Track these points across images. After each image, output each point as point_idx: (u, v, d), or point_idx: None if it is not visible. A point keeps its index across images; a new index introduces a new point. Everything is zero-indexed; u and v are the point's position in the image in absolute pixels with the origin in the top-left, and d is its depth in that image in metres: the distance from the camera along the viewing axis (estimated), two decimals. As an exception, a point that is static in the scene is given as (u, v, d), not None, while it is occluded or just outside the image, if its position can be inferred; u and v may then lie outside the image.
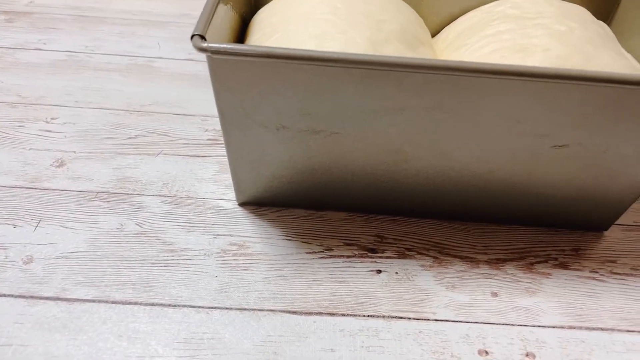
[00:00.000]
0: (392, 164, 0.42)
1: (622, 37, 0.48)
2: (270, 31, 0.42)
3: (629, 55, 0.43)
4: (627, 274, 0.44)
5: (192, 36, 0.34)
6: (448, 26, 0.51)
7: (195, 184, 0.49)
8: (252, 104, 0.37)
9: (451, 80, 0.35)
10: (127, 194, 0.48)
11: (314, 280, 0.42)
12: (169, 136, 0.54)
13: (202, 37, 0.34)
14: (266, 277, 0.42)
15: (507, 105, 0.36)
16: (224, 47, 0.33)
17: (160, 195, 0.48)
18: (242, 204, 0.47)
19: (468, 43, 0.43)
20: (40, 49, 0.65)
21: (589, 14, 0.47)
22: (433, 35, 0.52)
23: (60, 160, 0.50)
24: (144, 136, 0.54)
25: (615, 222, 0.48)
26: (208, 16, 0.35)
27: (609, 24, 0.50)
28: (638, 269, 0.45)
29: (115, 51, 0.65)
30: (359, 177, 0.44)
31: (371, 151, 0.41)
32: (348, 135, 0.39)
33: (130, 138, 0.53)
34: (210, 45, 0.33)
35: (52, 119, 0.55)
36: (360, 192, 0.46)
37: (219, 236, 0.45)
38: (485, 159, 0.41)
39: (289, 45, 0.39)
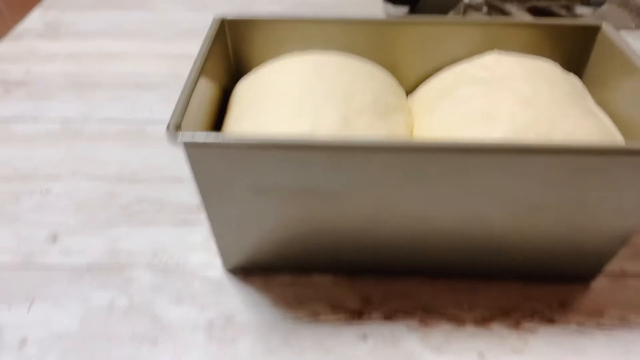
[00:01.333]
0: (373, 228, 0.43)
1: (594, 89, 0.49)
2: (246, 107, 0.43)
3: (599, 111, 0.44)
4: (614, 326, 0.44)
5: (168, 126, 0.36)
6: (424, 84, 0.52)
7: (185, 252, 0.50)
8: (230, 181, 0.38)
9: (417, 157, 0.36)
10: (118, 267, 0.49)
11: (300, 351, 0.42)
12: (159, 204, 0.55)
13: (177, 128, 0.36)
14: (253, 350, 0.42)
15: (474, 177, 0.37)
16: (198, 142, 0.35)
17: (150, 265, 0.49)
18: (230, 271, 0.48)
19: (439, 107, 0.44)
20: (36, 119, 0.67)
21: (559, 68, 0.48)
22: (411, 91, 0.53)
23: (54, 235, 0.52)
24: (135, 204, 0.55)
25: (602, 271, 0.48)
26: (184, 105, 0.37)
27: (580, 76, 0.51)
28: (625, 320, 0.45)
29: (108, 117, 0.67)
30: (342, 240, 0.45)
31: (351, 217, 0.42)
32: (325, 206, 0.40)
33: (121, 208, 0.55)
34: (185, 140, 0.35)
35: (47, 191, 0.57)
36: (345, 254, 0.46)
37: (206, 308, 0.45)
38: (461, 222, 0.41)
39: (263, 125, 0.40)
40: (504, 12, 0.81)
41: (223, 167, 0.37)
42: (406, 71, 0.53)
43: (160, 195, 0.56)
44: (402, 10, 0.89)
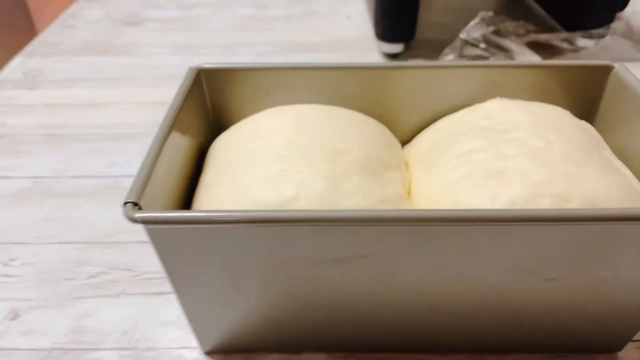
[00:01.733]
0: (370, 302, 0.37)
1: (608, 135, 0.44)
2: (223, 169, 0.39)
3: (617, 162, 0.39)
4: (650, 409, 0.38)
5: (125, 203, 0.31)
6: (421, 134, 0.47)
7: (158, 330, 0.44)
8: (199, 260, 0.33)
9: (413, 228, 0.31)
10: (82, 349, 0.43)
11: None
12: (132, 271, 0.50)
13: (136, 205, 0.31)
14: None
15: (482, 247, 0.32)
16: (157, 217, 0.30)
17: (118, 349, 0.43)
18: (208, 353, 0.43)
19: (438, 162, 0.39)
20: (7, 177, 0.62)
21: (569, 115, 0.43)
22: (407, 141, 0.49)
23: (14, 312, 0.46)
24: (106, 273, 0.50)
25: (632, 339, 0.43)
26: (144, 179, 0.32)
27: (592, 121, 0.47)
28: (663, 401, 0.39)
29: (83, 172, 0.63)
30: (335, 315, 0.39)
31: (343, 294, 0.36)
32: (310, 284, 0.35)
33: (90, 277, 0.49)
34: (142, 215, 0.30)
35: (11, 260, 0.51)
36: (339, 330, 0.41)
37: (181, 397, 0.40)
38: (470, 296, 0.36)
39: (239, 192, 0.36)
40: (502, 48, 0.78)
41: (189, 245, 0.32)
42: (401, 120, 0.49)
43: (134, 261, 0.51)
44: (397, 47, 0.86)
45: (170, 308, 0.46)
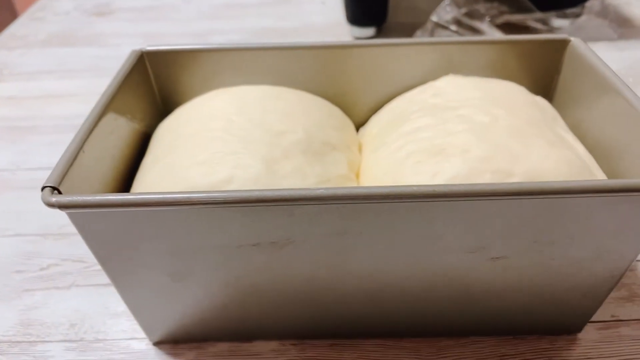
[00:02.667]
0: (312, 289, 0.36)
1: (566, 110, 0.43)
2: (160, 153, 0.37)
3: (570, 136, 0.38)
4: (607, 389, 0.38)
5: (43, 188, 0.29)
6: (375, 115, 0.46)
7: (107, 322, 0.43)
8: (128, 248, 0.32)
9: (346, 207, 0.29)
10: (30, 341, 0.42)
11: None
12: (84, 262, 0.49)
13: (55, 189, 0.29)
14: None
15: (420, 225, 0.31)
16: (73, 201, 0.28)
17: (65, 341, 0.42)
18: (157, 343, 0.41)
19: (387, 142, 0.38)
20: (-37, 170, 0.61)
21: (523, 91, 0.42)
22: (363, 123, 0.47)
23: (-39, 306, 0.45)
24: (57, 265, 0.48)
25: (590, 320, 0.42)
26: (66, 163, 0.31)
27: (551, 96, 0.46)
28: (620, 381, 0.38)
29: (40, 165, 0.61)
30: (282, 302, 0.38)
31: (284, 278, 0.35)
32: (248, 269, 0.34)
33: (41, 269, 0.48)
34: (59, 200, 0.28)
35: (-39, 254, 0.50)
36: (289, 317, 0.40)
37: (126, 389, 0.39)
38: (415, 278, 0.35)
39: (176, 174, 0.34)
40: (473, 30, 0.76)
41: (114, 230, 0.30)
42: (357, 101, 0.47)
43: (86, 253, 0.49)
44: (368, 31, 0.84)
45: (121, 299, 0.45)
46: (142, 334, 0.42)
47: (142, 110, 0.43)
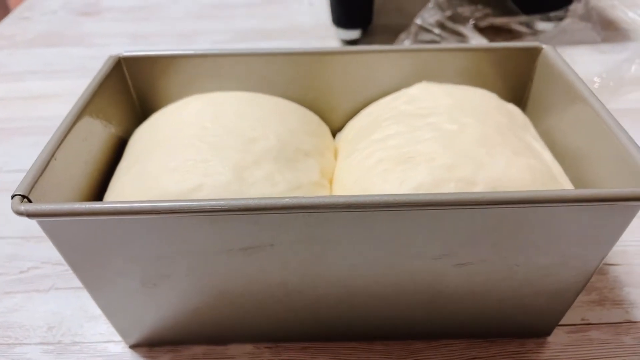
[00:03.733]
0: (284, 294, 0.37)
1: (538, 118, 0.44)
2: (134, 160, 0.38)
3: (538, 144, 0.39)
4: (574, 393, 0.38)
5: (13, 196, 0.30)
6: (351, 120, 0.47)
7: (84, 325, 0.44)
8: (99, 255, 0.32)
9: (312, 215, 0.30)
10: (8, 344, 0.42)
11: None
12: (63, 265, 0.49)
13: (25, 197, 0.30)
14: None
15: (385, 233, 0.31)
16: (42, 210, 0.29)
17: (42, 344, 0.42)
18: (133, 347, 0.42)
19: (358, 149, 0.39)
20: (-54, 172, 0.61)
21: (494, 98, 0.43)
22: (340, 129, 0.48)
23: (-60, 308, 0.46)
24: (37, 268, 0.49)
25: (560, 323, 0.42)
26: (37, 171, 0.31)
27: (524, 104, 0.46)
28: (587, 384, 0.39)
29: (24, 167, 0.61)
30: (256, 306, 0.39)
31: (257, 284, 0.36)
32: (220, 275, 0.34)
33: (21, 272, 0.49)
34: (28, 209, 0.29)
35: (-58, 256, 0.50)
36: (263, 320, 0.40)
37: (101, 392, 0.39)
38: (384, 283, 0.36)
39: (146, 181, 0.35)
40: (456, 33, 0.77)
41: (84, 237, 0.31)
42: (333, 107, 0.48)
43: (66, 256, 0.50)
44: (354, 33, 0.85)
45: (99, 302, 0.45)
46: (119, 337, 0.43)
47: (119, 115, 0.43)
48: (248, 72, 0.46)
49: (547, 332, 0.42)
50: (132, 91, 0.46)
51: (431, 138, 0.35)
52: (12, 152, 0.64)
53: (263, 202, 0.28)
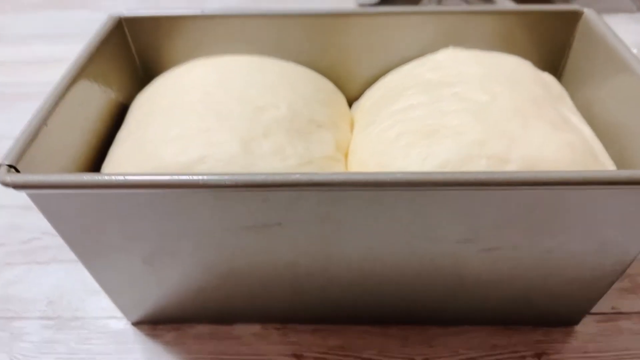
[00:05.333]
0: (295, 275, 0.34)
1: (576, 88, 0.40)
2: (134, 127, 0.35)
3: (577, 118, 0.35)
4: (602, 387, 0.36)
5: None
6: (369, 89, 0.43)
7: (85, 299, 0.42)
8: (95, 231, 0.30)
9: (325, 193, 0.27)
10: (7, 317, 0.41)
11: None
12: (66, 237, 0.47)
13: (12, 167, 0.27)
14: None
15: (405, 214, 0.28)
16: (29, 181, 0.26)
17: (42, 318, 0.41)
18: (135, 324, 0.40)
19: (376, 120, 0.35)
20: (-52, 137, 0.59)
21: (529, 67, 0.39)
22: (357, 98, 0.45)
23: (-61, 278, 0.44)
24: (38, 239, 0.47)
25: (589, 312, 0.40)
26: (26, 140, 0.29)
27: (560, 73, 0.42)
28: (616, 378, 0.36)
29: (26, 133, 0.59)
30: (264, 286, 0.36)
31: (265, 264, 0.33)
32: (223, 254, 0.32)
33: (22, 243, 0.47)
34: (15, 180, 0.26)
35: (-58, 225, 0.49)
36: (273, 301, 0.38)
37: (102, 370, 0.37)
38: (401, 267, 0.33)
39: (145, 150, 0.32)
40: (484, -2, 0.72)
41: (77, 210, 0.28)
42: (351, 74, 0.44)
43: (69, 227, 0.48)
44: (373, -1, 0.80)
45: (101, 276, 0.44)
46: (121, 314, 0.41)
47: (120, 80, 0.40)
48: (259, 35, 0.42)
49: (575, 322, 0.39)
50: (134, 54, 0.43)
51: (459, 109, 0.32)
52: (16, 119, 0.61)
53: (272, 178, 0.26)
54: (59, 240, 0.46)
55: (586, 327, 0.39)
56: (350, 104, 0.44)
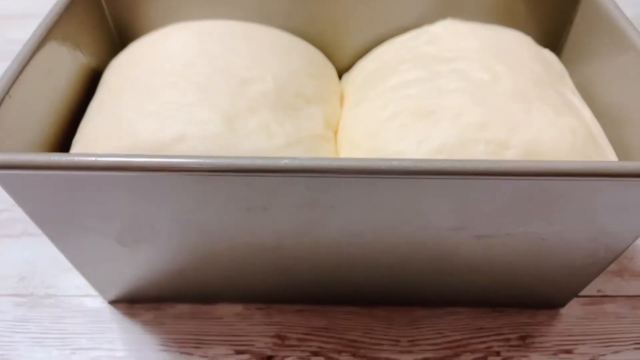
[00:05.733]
0: (279, 257, 0.33)
1: (576, 65, 0.38)
2: (107, 98, 0.32)
3: (577, 100, 0.34)
4: (584, 369, 0.36)
5: (-44, 141, 0.25)
6: (361, 60, 0.41)
7: (59, 276, 0.40)
8: (65, 211, 0.28)
9: (315, 179, 0.25)
10: (-25, 295, 0.39)
11: (185, 413, 0.33)
12: (37, 209, 0.45)
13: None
14: (127, 411, 0.33)
15: (398, 200, 0.27)
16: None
17: (14, 295, 0.39)
18: (112, 302, 0.39)
19: (370, 97, 0.33)
20: None
21: (529, 42, 0.37)
22: (347, 69, 0.42)
23: None
24: (9, 210, 0.45)
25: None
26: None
27: (559, 49, 0.40)
28: (598, 361, 0.36)
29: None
30: (247, 268, 0.35)
31: (249, 246, 0.32)
32: (203, 237, 0.30)
33: (-9, 215, 0.44)
34: (-28, 158, 0.24)
35: None
36: (255, 281, 0.37)
37: (77, 351, 0.36)
38: (390, 252, 0.32)
39: (120, 124, 0.30)
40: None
41: (44, 190, 0.26)
42: (341, 43, 0.42)
43: (40, 198, 0.45)
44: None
45: (75, 252, 0.42)
46: (97, 292, 0.39)
47: (92, 44, 0.37)
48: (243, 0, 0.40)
49: (562, 304, 0.39)
50: (107, 15, 0.39)
51: (457, 89, 0.30)
52: (-20, 78, 0.58)
53: (257, 163, 0.24)
54: (29, 213, 0.44)
55: (571, 309, 0.39)
56: (339, 75, 0.42)
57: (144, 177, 0.25)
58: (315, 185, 0.26)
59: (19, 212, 0.44)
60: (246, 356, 0.36)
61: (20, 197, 0.27)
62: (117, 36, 0.40)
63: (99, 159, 0.23)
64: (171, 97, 0.29)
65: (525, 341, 0.37)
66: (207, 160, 0.24)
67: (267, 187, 0.26)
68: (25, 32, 0.65)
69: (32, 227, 0.43)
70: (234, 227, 0.29)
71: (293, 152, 0.30)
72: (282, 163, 0.24)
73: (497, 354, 0.37)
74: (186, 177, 0.25)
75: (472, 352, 0.37)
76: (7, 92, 0.27)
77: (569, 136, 0.28)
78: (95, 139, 0.30)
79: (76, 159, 0.23)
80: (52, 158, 0.24)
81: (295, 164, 0.24)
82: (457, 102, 0.29)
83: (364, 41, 0.42)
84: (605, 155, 0.30)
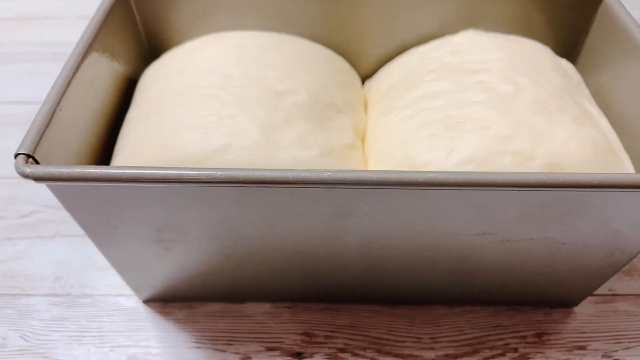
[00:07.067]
0: (308, 259, 0.35)
1: (590, 74, 0.40)
2: (146, 108, 0.34)
3: (594, 110, 0.35)
4: (597, 365, 0.38)
5: (16, 155, 0.26)
6: (384, 67, 0.42)
7: (93, 276, 0.42)
8: (114, 218, 0.30)
9: (352, 190, 0.27)
10: (13, 294, 0.41)
11: (222, 408, 0.35)
12: (68, 211, 0.46)
13: (30, 157, 0.26)
14: (166, 405, 0.35)
15: (428, 209, 0.28)
16: (53, 173, 0.25)
17: (51, 295, 0.41)
18: (146, 301, 0.40)
19: (397, 106, 0.35)
20: None
21: (548, 53, 0.38)
22: (369, 75, 0.44)
23: (-62, 253, 0.43)
24: (39, 212, 0.46)
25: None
26: (42, 124, 0.27)
27: (575, 58, 0.42)
28: (611, 357, 0.38)
29: (16, 98, 0.57)
30: (277, 269, 0.37)
31: (281, 250, 0.33)
32: (244, 240, 0.32)
33: (22, 216, 0.46)
34: (35, 172, 0.25)
35: (-64, 197, 0.47)
36: (284, 281, 0.38)
37: (115, 348, 0.38)
38: (416, 255, 0.33)
39: (164, 136, 0.31)
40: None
41: (98, 201, 0.28)
42: (364, 51, 0.43)
43: (70, 200, 0.47)
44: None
45: (108, 252, 0.43)
46: (131, 291, 0.41)
47: (126, 53, 0.39)
48: (270, 6, 0.41)
49: (576, 303, 0.41)
50: (139, 24, 0.40)
51: (483, 100, 0.31)
52: (1, 82, 0.59)
53: (302, 176, 0.25)
54: (61, 214, 0.46)
55: (584, 308, 0.41)
56: (362, 81, 0.44)
57: (192, 188, 0.26)
58: (353, 195, 0.27)
59: (49, 214, 0.46)
60: (277, 353, 0.38)
61: (72, 206, 0.29)
62: (147, 44, 0.41)
63: (154, 171, 0.25)
64: (213, 109, 0.31)
65: (541, 338, 0.39)
66: (257, 173, 0.25)
67: (308, 197, 0.27)
68: (43, 33, 0.66)
69: (65, 228, 0.45)
70: (270, 232, 0.31)
71: (327, 161, 0.31)
72: (325, 176, 0.25)
73: (515, 350, 0.38)
74: (234, 188, 0.26)
75: (491, 348, 0.38)
76: (57, 104, 0.29)
77: (589, 147, 0.30)
78: (137, 149, 0.31)
79: (133, 172, 0.25)
80: (110, 171, 0.25)
81: (338, 176, 0.25)
82: (483, 114, 0.31)
83: (386, 49, 0.43)
84: (622, 164, 0.32)
